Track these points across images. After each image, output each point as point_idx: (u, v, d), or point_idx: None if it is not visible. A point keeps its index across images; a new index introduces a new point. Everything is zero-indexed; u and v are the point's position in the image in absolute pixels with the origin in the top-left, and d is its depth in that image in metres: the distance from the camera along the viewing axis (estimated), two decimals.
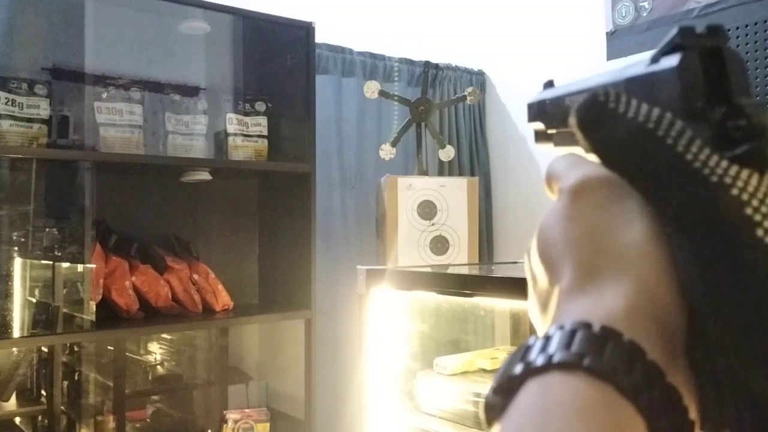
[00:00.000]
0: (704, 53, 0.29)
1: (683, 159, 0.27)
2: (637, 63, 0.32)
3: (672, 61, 0.29)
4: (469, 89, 2.20)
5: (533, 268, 0.35)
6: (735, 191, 0.26)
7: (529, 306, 0.36)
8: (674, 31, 0.29)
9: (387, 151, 2.07)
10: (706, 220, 0.27)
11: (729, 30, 1.92)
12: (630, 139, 0.29)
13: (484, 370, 1.77)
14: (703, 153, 0.27)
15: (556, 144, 0.40)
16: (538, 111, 0.41)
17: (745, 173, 0.27)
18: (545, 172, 0.36)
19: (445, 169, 2.56)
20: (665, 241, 0.29)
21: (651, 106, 0.29)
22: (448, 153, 2.14)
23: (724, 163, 0.27)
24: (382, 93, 2.05)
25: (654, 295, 0.28)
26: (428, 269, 1.69)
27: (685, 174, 0.27)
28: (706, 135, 0.28)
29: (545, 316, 0.33)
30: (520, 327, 1.96)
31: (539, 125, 0.42)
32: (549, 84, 0.42)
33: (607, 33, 2.32)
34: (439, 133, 2.26)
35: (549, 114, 0.40)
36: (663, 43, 0.30)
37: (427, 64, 2.25)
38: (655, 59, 0.31)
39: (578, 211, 0.31)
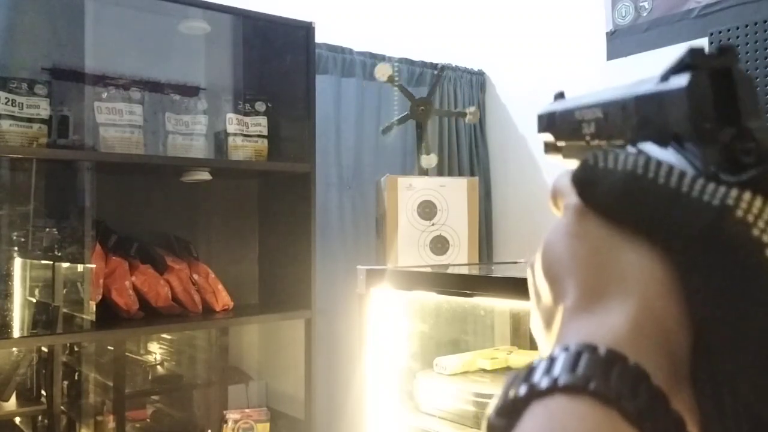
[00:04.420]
0: (714, 74, 0.28)
1: (679, 192, 0.27)
2: (647, 80, 0.32)
3: (681, 80, 0.29)
4: (472, 108, 2.20)
5: (537, 285, 0.34)
6: (739, 213, 0.26)
7: (532, 323, 0.36)
8: (685, 50, 0.29)
9: (428, 161, 2.04)
10: (712, 243, 0.26)
11: (729, 30, 1.92)
12: (624, 188, 0.29)
13: (484, 370, 1.76)
14: (698, 183, 0.27)
15: (565, 156, 0.40)
16: (548, 123, 0.41)
17: (747, 195, 0.26)
18: (551, 188, 0.36)
19: (445, 169, 2.56)
20: (671, 262, 0.28)
21: (636, 154, 0.30)
22: (430, 161, 2.12)
23: (723, 188, 0.27)
24: (390, 78, 2.03)
25: (659, 316, 0.27)
26: (428, 269, 1.69)
27: (685, 205, 0.27)
28: (713, 157, 0.28)
29: (549, 333, 0.32)
30: (519, 327, 1.96)
31: (549, 137, 0.42)
32: (560, 95, 0.42)
33: (607, 33, 2.32)
34: (430, 138, 2.24)
35: (558, 126, 0.40)
36: (673, 61, 0.30)
37: (442, 68, 2.23)
38: (665, 78, 0.30)
39: (583, 229, 0.31)
